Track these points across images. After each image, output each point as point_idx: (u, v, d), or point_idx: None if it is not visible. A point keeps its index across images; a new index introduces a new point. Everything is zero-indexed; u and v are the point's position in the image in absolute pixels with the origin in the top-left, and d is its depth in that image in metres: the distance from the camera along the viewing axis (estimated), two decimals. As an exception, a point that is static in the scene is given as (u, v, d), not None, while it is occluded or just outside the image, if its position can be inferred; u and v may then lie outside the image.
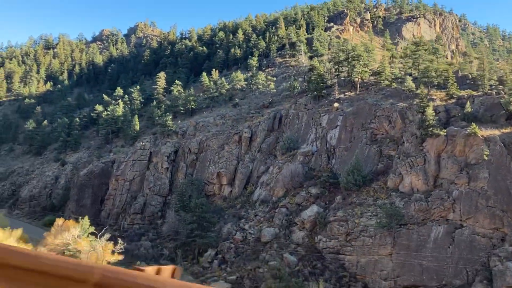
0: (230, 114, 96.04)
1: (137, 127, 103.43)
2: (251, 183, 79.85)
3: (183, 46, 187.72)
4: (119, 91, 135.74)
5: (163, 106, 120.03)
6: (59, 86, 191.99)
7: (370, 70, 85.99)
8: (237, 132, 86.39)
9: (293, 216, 66.50)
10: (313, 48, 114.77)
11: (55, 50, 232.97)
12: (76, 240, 53.16)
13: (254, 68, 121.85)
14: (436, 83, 74.37)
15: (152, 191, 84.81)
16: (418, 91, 72.18)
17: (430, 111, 63.49)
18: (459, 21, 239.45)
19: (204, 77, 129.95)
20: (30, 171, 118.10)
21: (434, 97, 70.38)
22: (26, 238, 67.23)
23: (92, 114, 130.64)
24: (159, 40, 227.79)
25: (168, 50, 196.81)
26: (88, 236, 55.92)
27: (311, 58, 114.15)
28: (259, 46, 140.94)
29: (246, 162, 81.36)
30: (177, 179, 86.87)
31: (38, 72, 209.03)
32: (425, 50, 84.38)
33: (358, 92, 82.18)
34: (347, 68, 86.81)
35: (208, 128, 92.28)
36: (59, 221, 65.61)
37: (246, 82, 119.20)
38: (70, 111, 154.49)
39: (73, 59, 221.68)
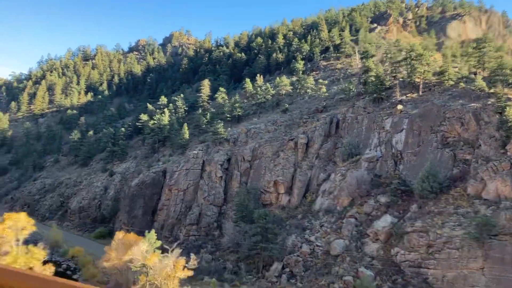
0: (281, 120, 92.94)
1: (187, 136, 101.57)
2: (310, 191, 76.38)
3: (221, 53, 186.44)
4: (163, 99, 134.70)
5: (208, 114, 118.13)
6: (100, 96, 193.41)
7: (431, 70, 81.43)
8: (292, 138, 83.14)
9: (363, 227, 62.65)
10: (363, 49, 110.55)
11: (94, 61, 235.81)
12: (145, 255, 50.84)
13: (300, 72, 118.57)
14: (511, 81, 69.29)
15: (207, 200, 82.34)
16: (492, 90, 67.27)
17: (511, 112, 58.74)
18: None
19: (248, 83, 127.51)
20: (78, 182, 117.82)
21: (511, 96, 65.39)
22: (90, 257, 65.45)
23: (137, 124, 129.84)
24: (195, 48, 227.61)
25: (206, 58, 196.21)
26: (154, 251, 53.54)
27: (361, 59, 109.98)
28: (303, 50, 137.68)
29: (304, 170, 77.95)
30: (231, 188, 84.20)
31: (78, 84, 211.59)
32: (491, 47, 79.31)
33: (421, 93, 77.73)
34: (407, 69, 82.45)
35: (260, 135, 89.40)
36: (120, 234, 63.77)
37: (291, 87, 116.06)
38: (113, 121, 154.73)
39: (112, 70, 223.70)
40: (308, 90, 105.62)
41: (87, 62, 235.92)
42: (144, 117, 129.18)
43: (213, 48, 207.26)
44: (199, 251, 76.09)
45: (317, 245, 63.83)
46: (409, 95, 78.30)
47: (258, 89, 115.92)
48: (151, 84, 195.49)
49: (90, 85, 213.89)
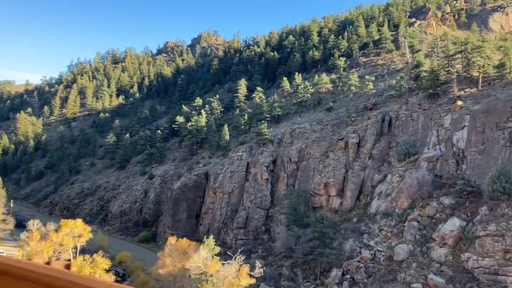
0: (327, 119, 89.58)
1: (227, 137, 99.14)
2: (364, 193, 72.84)
3: (252, 52, 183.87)
4: (198, 101, 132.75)
5: (246, 114, 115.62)
6: (131, 99, 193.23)
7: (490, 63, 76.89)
8: (341, 137, 79.67)
9: (427, 231, 58.85)
10: (409, 44, 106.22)
11: (123, 64, 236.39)
12: (206, 262, 48.25)
13: (341, 69, 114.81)
14: None
15: (254, 204, 79.61)
16: None
17: None
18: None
19: (285, 82, 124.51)
20: (117, 185, 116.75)
21: None
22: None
23: (173, 126, 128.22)
24: (224, 48, 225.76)
25: (236, 58, 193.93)
26: (213, 257, 50.90)
27: (411, 54, 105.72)
28: (341, 47, 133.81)
29: (356, 171, 74.44)
30: (278, 191, 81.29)
31: (109, 86, 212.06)
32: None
33: (480, 87, 73.31)
34: (462, 62, 78.08)
35: (305, 135, 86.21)
36: (172, 240, 61.46)
37: (332, 85, 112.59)
38: (147, 123, 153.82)
39: (142, 72, 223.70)
40: (352, 87, 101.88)
41: (117, 65, 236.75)
42: (180, 119, 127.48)
43: (243, 48, 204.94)
44: (250, 256, 73.46)
45: (378, 250, 60.32)
46: (467, 90, 73.96)
47: (299, 87, 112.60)
48: (182, 85, 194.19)
49: (121, 87, 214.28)
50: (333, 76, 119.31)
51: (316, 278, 61.23)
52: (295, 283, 60.86)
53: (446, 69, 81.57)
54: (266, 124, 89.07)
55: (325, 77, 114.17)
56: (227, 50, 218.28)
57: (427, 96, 76.40)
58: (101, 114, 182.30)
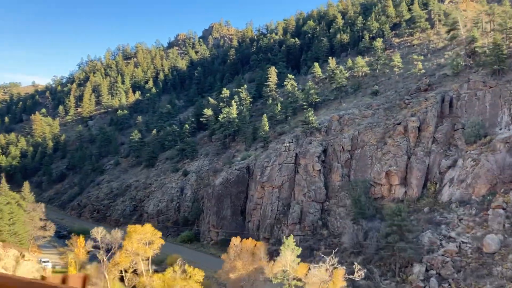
0: (376, 103, 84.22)
1: (267, 128, 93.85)
2: (431, 180, 67.57)
3: (271, 40, 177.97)
4: (226, 92, 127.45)
5: (278, 103, 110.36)
6: (148, 94, 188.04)
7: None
8: (399, 122, 74.28)
9: (518, 218, 53.79)
10: (451, 20, 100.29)
11: (135, 59, 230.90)
12: (293, 265, 43.35)
13: (379, 50, 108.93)
14: None
15: (307, 197, 74.57)
16: None
17: None
18: None
19: (316, 68, 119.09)
20: (148, 184, 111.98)
21: None
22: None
23: (201, 119, 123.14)
24: (238, 38, 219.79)
25: (254, 47, 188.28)
26: (294, 260, 45.90)
27: (449, 32, 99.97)
28: (372, 28, 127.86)
29: (420, 157, 69.13)
30: (332, 182, 76.17)
31: (123, 83, 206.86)
32: None
33: (551, 61, 67.67)
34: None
35: (356, 122, 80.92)
36: (235, 241, 56.54)
37: (368, 68, 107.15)
38: (169, 118, 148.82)
39: (155, 67, 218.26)
40: (395, 69, 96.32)
41: (129, 61, 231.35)
42: (207, 111, 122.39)
43: (259, 37, 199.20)
44: (312, 253, 68.65)
45: (463, 242, 55.26)
46: (536, 64, 68.39)
47: (333, 72, 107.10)
48: (199, 78, 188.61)
49: (135, 83, 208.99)
50: (369, 59, 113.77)
51: (394, 275, 56.32)
52: (373, 281, 55.94)
53: (506, 43, 75.91)
54: (312, 112, 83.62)
55: (360, 60, 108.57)
56: (242, 40, 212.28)
57: (490, 72, 70.89)
58: (119, 111, 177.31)
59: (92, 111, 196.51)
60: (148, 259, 43.96)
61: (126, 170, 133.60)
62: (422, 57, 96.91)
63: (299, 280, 43.23)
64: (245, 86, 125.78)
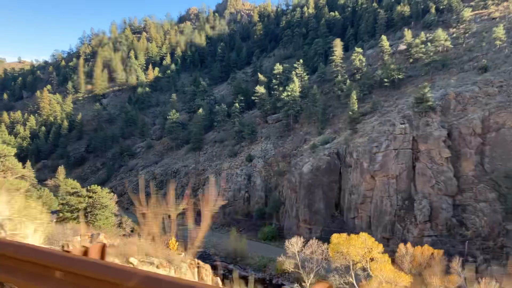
0: (498, 79, 71.89)
1: (355, 107, 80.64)
2: None
3: (305, 14, 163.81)
4: (278, 68, 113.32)
5: (347, 81, 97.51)
6: (168, 71, 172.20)
7: None
8: (544, 101, 62.34)
9: None
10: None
11: (145, 33, 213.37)
12: None
13: (464, 22, 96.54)
14: None
15: (437, 190, 62.29)
16: None
17: None
18: None
19: (384, 41, 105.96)
20: (201, 170, 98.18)
21: None
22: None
23: (253, 98, 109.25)
24: (259, 13, 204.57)
25: (283, 22, 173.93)
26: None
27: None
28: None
29: None
30: (463, 171, 63.99)
31: (136, 58, 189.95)
32: None
33: None
34: None
35: (480, 100, 68.64)
36: (412, 249, 43.94)
37: (449, 42, 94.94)
38: (205, 97, 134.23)
39: (170, 42, 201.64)
40: (497, 42, 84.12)
41: (139, 35, 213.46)
42: (260, 89, 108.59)
43: (287, 11, 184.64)
44: (450, 259, 56.64)
45: None
46: None
47: (412, 45, 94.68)
48: (223, 55, 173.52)
49: (149, 59, 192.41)
50: (446, 32, 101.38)
51: None
52: None
53: None
54: (428, 88, 70.81)
55: (441, 33, 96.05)
56: (264, 15, 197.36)
57: None
58: (140, 89, 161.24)
59: (104, 88, 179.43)
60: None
61: (162, 154, 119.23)
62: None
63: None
64: (301, 61, 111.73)
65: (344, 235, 33.15)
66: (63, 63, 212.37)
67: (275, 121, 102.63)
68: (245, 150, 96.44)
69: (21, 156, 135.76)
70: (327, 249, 32.89)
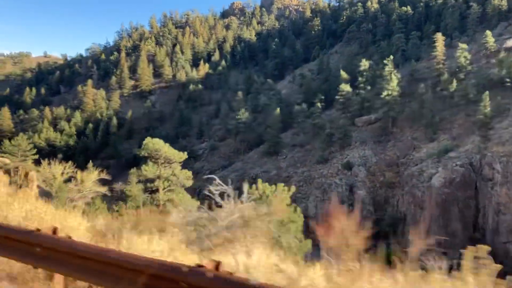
0: None
1: (487, 110, 68.86)
2: None
3: (372, 9, 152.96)
4: (365, 64, 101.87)
5: (453, 80, 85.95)
6: (220, 68, 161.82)
7: None
8: None
9: None
10: None
11: (189, 28, 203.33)
12: None
13: None
14: None
15: None
16: None
17: None
18: None
19: (489, 37, 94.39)
20: (285, 176, 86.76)
21: None
22: None
23: (337, 97, 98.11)
24: (311, 8, 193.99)
25: (343, 18, 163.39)
26: None
27: None
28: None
29: None
30: None
31: (183, 53, 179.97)
32: None
33: None
34: None
35: None
36: None
37: None
38: (270, 95, 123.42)
39: (217, 37, 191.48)
40: None
41: (182, 30, 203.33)
42: (345, 87, 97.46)
43: (345, 7, 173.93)
44: None
45: None
46: None
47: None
48: (277, 51, 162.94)
49: (196, 55, 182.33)
50: None
51: None
52: None
53: None
54: None
55: None
56: (318, 10, 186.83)
57: None
58: (192, 86, 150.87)
59: (149, 85, 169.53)
60: None
61: (229, 157, 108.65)
62: None
63: None
64: (391, 57, 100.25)
65: None
66: (103, 56, 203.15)
67: (367, 123, 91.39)
68: (337, 156, 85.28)
69: (68, 155, 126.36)
70: None
